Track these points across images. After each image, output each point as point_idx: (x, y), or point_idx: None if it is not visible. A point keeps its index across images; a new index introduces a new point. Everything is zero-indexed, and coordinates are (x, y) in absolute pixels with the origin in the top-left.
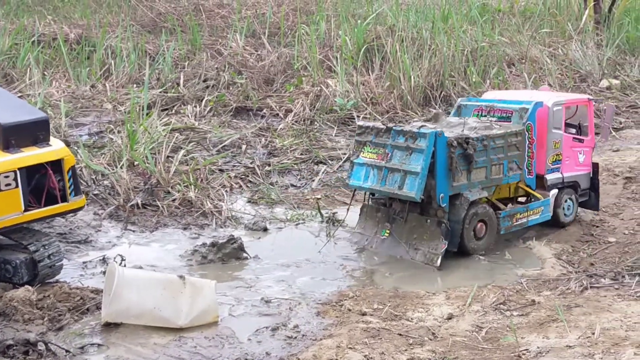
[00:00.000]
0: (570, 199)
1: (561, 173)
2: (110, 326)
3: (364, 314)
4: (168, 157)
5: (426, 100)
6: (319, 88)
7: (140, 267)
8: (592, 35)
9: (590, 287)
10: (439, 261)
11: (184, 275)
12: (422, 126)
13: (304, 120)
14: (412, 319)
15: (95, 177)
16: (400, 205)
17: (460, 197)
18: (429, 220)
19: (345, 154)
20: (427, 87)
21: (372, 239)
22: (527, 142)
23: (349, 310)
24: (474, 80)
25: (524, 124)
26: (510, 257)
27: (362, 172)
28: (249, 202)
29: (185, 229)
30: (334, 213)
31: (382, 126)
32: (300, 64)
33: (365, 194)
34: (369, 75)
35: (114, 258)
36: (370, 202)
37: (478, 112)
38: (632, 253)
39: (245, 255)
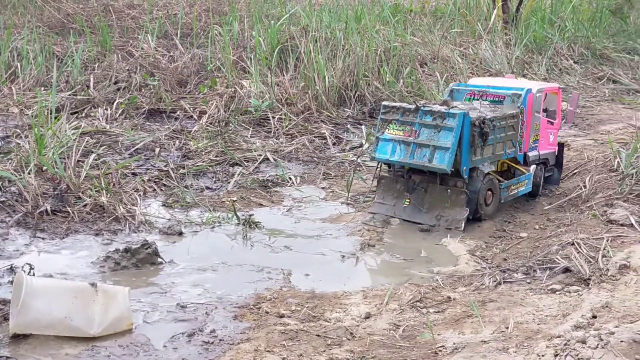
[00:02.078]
0: (542, 173)
1: (538, 151)
2: (19, 338)
3: (281, 316)
4: (78, 161)
5: (341, 100)
6: (233, 89)
7: (50, 276)
8: (501, 35)
9: (504, 282)
10: (463, 225)
11: (95, 283)
12: (453, 107)
13: (219, 122)
14: (330, 319)
15: (2, 184)
16: (420, 177)
17: (477, 170)
18: (449, 190)
19: (261, 155)
20: (342, 87)
21: (393, 208)
22: (520, 124)
23: (267, 312)
24: (387, 80)
25: (519, 107)
26: (426, 255)
27: (389, 147)
28: (163, 205)
29: (97, 235)
30: (250, 215)
31: (410, 106)
32: (213, 65)
33: (379, 166)
34: (284, 75)
35: (22, 267)
36: (387, 174)
37: (470, 96)
38: (543, 247)
39: (160, 260)
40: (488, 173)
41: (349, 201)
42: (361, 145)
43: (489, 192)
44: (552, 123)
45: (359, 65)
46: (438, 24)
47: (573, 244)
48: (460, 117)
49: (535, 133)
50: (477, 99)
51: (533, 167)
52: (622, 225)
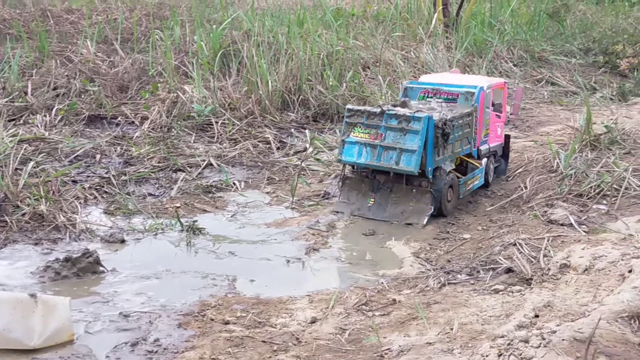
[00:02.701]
0: (492, 165)
1: (489, 144)
2: None
3: (227, 323)
4: (16, 169)
5: (284, 105)
6: (175, 94)
7: None
8: (442, 38)
9: (448, 283)
10: (425, 220)
11: (35, 294)
12: (417, 111)
13: (161, 128)
14: (275, 325)
15: None
16: (385, 177)
17: (440, 169)
18: (414, 190)
19: (204, 160)
20: (285, 91)
21: (358, 206)
22: (475, 121)
23: (212, 319)
24: (330, 83)
25: (473, 105)
26: (371, 258)
27: (355, 150)
28: (104, 213)
29: (36, 244)
30: (194, 221)
31: (375, 109)
32: (155, 70)
33: (343, 167)
34: (227, 80)
35: None
36: (352, 175)
37: (424, 94)
38: (486, 248)
39: (101, 269)
40: (450, 171)
41: (293, 205)
42: (305, 150)
43: (450, 189)
44: (499, 116)
45: (302, 70)
46: (380, 28)
47: (515, 244)
48: (426, 121)
49: (486, 127)
50: (431, 97)
51: (485, 160)
52: (562, 225)
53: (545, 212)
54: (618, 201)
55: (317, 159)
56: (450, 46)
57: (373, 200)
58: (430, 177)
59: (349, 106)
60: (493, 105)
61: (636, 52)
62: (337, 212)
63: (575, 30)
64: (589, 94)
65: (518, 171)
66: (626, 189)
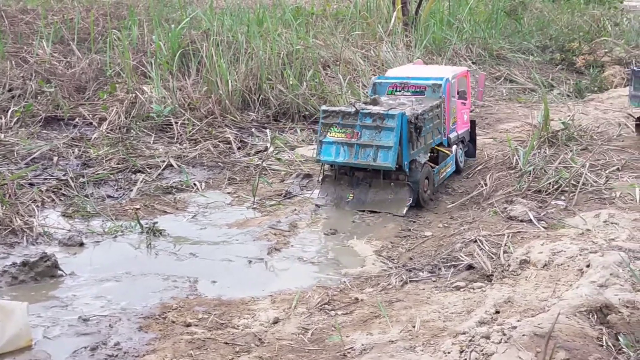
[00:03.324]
0: (462, 150)
1: (457, 132)
2: None
3: (188, 325)
4: None
5: (245, 104)
6: (134, 95)
7: None
8: (402, 37)
9: (410, 281)
10: (404, 211)
11: None
12: (390, 108)
13: (120, 129)
14: (238, 326)
15: None
16: (363, 173)
17: (415, 161)
18: (392, 184)
19: (164, 161)
20: (245, 91)
21: (337, 201)
22: (443, 112)
23: (173, 322)
24: (291, 83)
25: (440, 97)
26: (333, 257)
27: (333, 149)
28: (62, 216)
29: None
30: (154, 223)
31: (350, 109)
32: (113, 71)
33: (322, 167)
34: (186, 80)
35: None
36: (330, 173)
37: (393, 88)
38: (447, 245)
39: (60, 272)
40: (425, 163)
41: (255, 206)
42: (266, 149)
43: (426, 180)
44: (464, 104)
45: (262, 69)
46: (340, 27)
47: (476, 241)
48: (399, 117)
49: (454, 116)
50: (399, 91)
51: (454, 147)
52: (521, 221)
53: (505, 208)
54: (576, 197)
55: (278, 159)
56: (410, 44)
57: (352, 195)
58: (407, 170)
59: (323, 107)
60: (458, 93)
61: (592, 49)
62: (318, 205)
63: (533, 28)
64: (546, 91)
65: (478, 168)
66: (583, 184)
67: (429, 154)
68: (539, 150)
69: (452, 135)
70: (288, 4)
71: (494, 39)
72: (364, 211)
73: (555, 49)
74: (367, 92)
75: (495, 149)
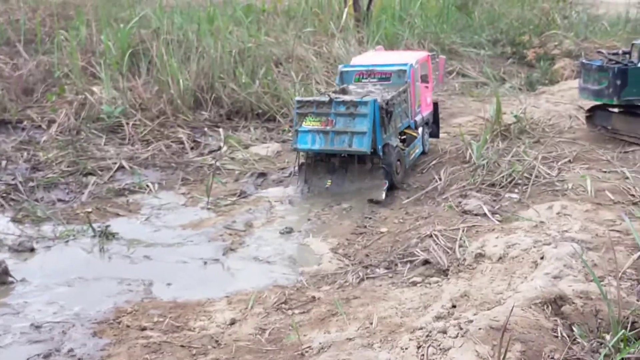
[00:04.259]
0: (427, 132)
1: (422, 114)
2: None
3: (143, 329)
4: None
5: (197, 104)
6: (83, 96)
7: None
8: (354, 33)
9: (367, 277)
10: (383, 195)
11: None
12: (364, 96)
13: (70, 131)
14: (194, 328)
15: None
16: (339, 159)
17: (388, 145)
18: (368, 167)
19: (115, 163)
20: (197, 90)
21: (316, 187)
22: (409, 96)
23: (128, 326)
24: (243, 81)
25: (406, 82)
26: (290, 256)
27: (309, 138)
28: (12, 221)
29: None
30: (106, 226)
31: (324, 99)
32: (61, 72)
33: (297, 155)
34: (137, 80)
35: None
36: (307, 161)
37: (359, 76)
38: (403, 241)
39: (10, 279)
40: (397, 146)
41: (209, 206)
42: (220, 149)
43: (398, 162)
44: (427, 87)
45: (213, 67)
46: (291, 24)
47: (431, 236)
48: (372, 104)
49: (418, 99)
50: (366, 78)
51: (420, 129)
52: (476, 215)
53: (460, 202)
54: (529, 189)
55: (232, 158)
56: (362, 40)
57: (330, 181)
58: (381, 153)
59: (298, 98)
60: (421, 77)
61: (542, 43)
62: (299, 193)
63: (484, 22)
64: (498, 84)
65: (432, 163)
66: (536, 177)
67: (399, 138)
68: (492, 144)
69: (418, 118)
70: (239, 2)
71: (445, 33)
72: (331, 206)
73: (506, 42)
74: (335, 82)
75: (449, 144)
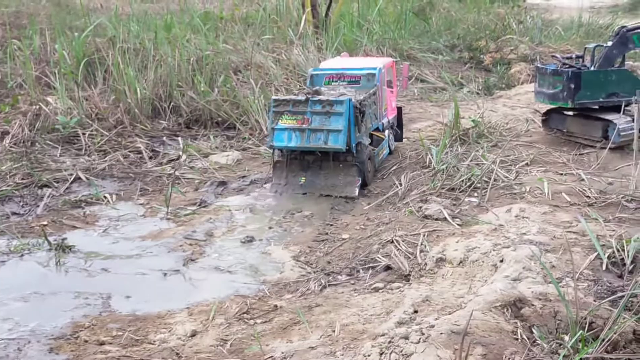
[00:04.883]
0: (391, 135)
1: (387, 117)
2: None
3: (102, 344)
4: None
5: (155, 112)
6: (37, 106)
7: None
8: (313, 39)
9: (329, 285)
10: (356, 192)
11: None
12: (340, 95)
13: (24, 142)
14: (154, 341)
15: None
16: (313, 157)
17: (361, 144)
18: (341, 165)
19: (72, 174)
20: (155, 98)
21: (290, 185)
22: (378, 98)
23: (86, 341)
24: (202, 89)
25: (375, 85)
26: (251, 265)
27: (285, 135)
28: None
29: None
30: (63, 239)
31: (300, 98)
32: (14, 82)
33: (273, 152)
34: (92, 90)
35: None
36: (281, 158)
37: (329, 79)
38: (364, 247)
39: None
40: (368, 145)
41: (168, 216)
42: (179, 158)
43: (369, 161)
44: (392, 92)
45: (171, 76)
46: (250, 31)
47: (392, 241)
48: (348, 103)
49: (385, 103)
50: (336, 81)
51: (387, 132)
52: (436, 219)
53: (420, 207)
54: (488, 193)
55: (192, 167)
56: (321, 47)
57: (304, 178)
58: (354, 151)
59: (274, 97)
60: (386, 82)
61: (498, 47)
62: (274, 192)
63: (441, 27)
64: (456, 89)
65: (393, 168)
66: (495, 180)
67: (369, 138)
68: (451, 149)
69: (385, 121)
70: (196, 9)
71: (403, 39)
72: (292, 213)
73: (463, 47)
74: (306, 85)
75: (409, 149)
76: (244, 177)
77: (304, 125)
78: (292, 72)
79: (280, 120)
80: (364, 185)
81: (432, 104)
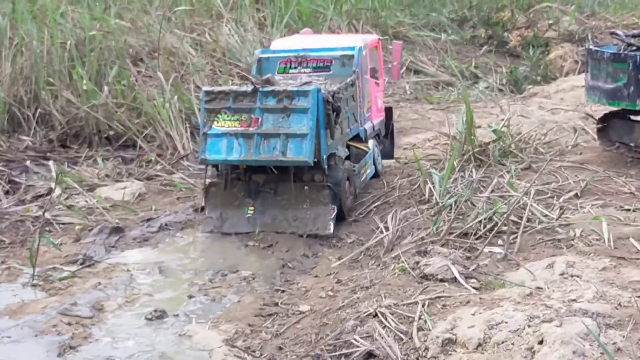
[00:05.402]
0: (377, 148)
1: (372, 121)
2: None
3: None
4: None
5: (14, 124)
6: None
7: None
8: (251, 12)
9: None
10: (332, 227)
11: None
12: (304, 84)
13: None
14: None
15: None
16: (264, 177)
17: (334, 156)
18: (306, 187)
19: None
20: (13, 103)
21: (232, 221)
22: (357, 92)
23: None
24: (85, 87)
25: (354, 71)
26: (162, 354)
27: (223, 144)
28: None
29: None
30: None
31: (245, 88)
32: None
33: (205, 169)
34: None
35: None
36: (218, 179)
37: (286, 64)
38: (334, 324)
39: None
40: (346, 158)
41: (35, 281)
42: (50, 192)
43: (348, 182)
44: (378, 84)
45: (38, 68)
46: (156, 0)
47: (376, 314)
48: (315, 95)
49: (368, 100)
50: (296, 67)
51: (371, 142)
52: (441, 280)
53: (417, 262)
54: (519, 240)
55: (70, 206)
56: (264, 23)
57: (252, 208)
58: (326, 167)
59: (206, 88)
60: (370, 70)
61: (529, 21)
62: (208, 232)
63: None
64: (468, 84)
65: (375, 204)
66: (528, 220)
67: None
68: (462, 174)
69: (368, 126)
70: None
71: (388, 10)
72: (225, 274)
73: (477, 22)
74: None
75: (399, 174)
76: (149, 220)
77: (250, 129)
78: (220, 60)
79: (215, 122)
80: (340, 218)
81: (433, 106)
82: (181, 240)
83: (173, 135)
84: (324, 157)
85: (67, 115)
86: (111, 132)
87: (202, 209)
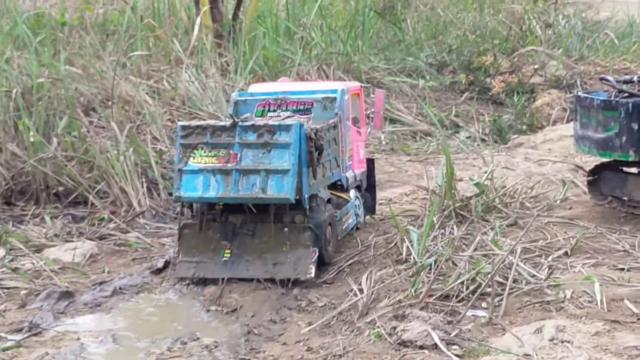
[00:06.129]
0: (359, 199)
1: (353, 171)
2: None
3: None
4: None
5: None
6: None
7: None
8: (213, 56)
9: None
10: (313, 271)
11: None
12: (286, 117)
13: None
14: None
15: None
16: (241, 217)
17: (317, 197)
18: (286, 229)
19: None
20: None
21: (207, 266)
22: (340, 135)
23: None
24: (32, 139)
25: (336, 114)
26: None
27: (199, 181)
28: None
29: None
30: None
31: (223, 122)
32: None
33: (181, 208)
34: None
35: None
36: (193, 220)
37: (264, 107)
38: None
39: None
40: (328, 200)
41: None
42: None
43: (330, 227)
44: (360, 132)
45: None
46: (110, 44)
47: None
48: (297, 130)
49: (349, 147)
50: (274, 110)
51: (353, 192)
52: (421, 347)
53: (394, 328)
54: (504, 302)
55: (15, 269)
56: (227, 68)
57: (229, 252)
58: (307, 207)
59: (182, 123)
60: (352, 118)
61: (514, 66)
62: (181, 277)
63: (421, 35)
64: (449, 134)
65: (348, 263)
66: (515, 281)
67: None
68: (442, 231)
69: (350, 175)
70: (21, 10)
71: (360, 54)
72: (184, 342)
73: (457, 67)
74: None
75: (374, 232)
76: (101, 283)
77: (229, 165)
78: (179, 109)
79: (191, 158)
80: (321, 263)
81: (410, 158)
82: (137, 305)
83: (128, 191)
84: (306, 196)
85: (12, 169)
86: (60, 188)
87: (177, 252)
